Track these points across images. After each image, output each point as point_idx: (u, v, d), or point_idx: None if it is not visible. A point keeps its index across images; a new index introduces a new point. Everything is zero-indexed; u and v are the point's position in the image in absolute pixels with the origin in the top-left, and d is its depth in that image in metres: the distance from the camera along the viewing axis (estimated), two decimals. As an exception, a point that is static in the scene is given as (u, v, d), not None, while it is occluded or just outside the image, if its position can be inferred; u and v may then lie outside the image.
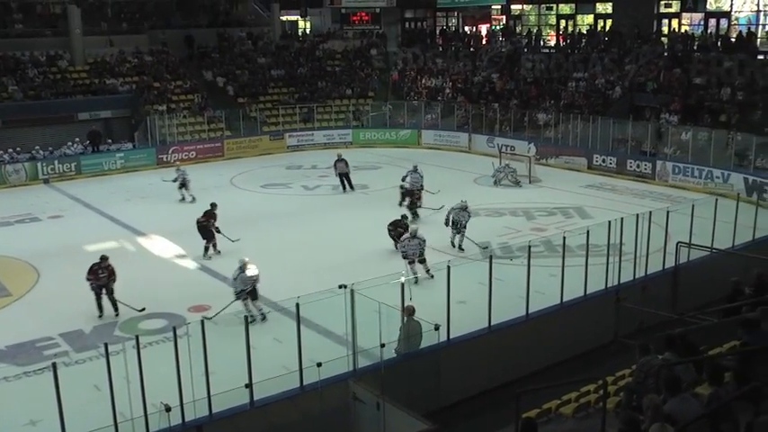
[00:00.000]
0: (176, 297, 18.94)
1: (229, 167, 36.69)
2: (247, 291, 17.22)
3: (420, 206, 25.96)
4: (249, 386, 11.74)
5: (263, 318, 16.98)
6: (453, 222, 22.47)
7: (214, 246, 22.70)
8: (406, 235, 20.12)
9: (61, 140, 36.77)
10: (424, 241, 19.79)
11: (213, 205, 23.17)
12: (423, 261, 19.66)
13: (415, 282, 18.76)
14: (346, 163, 31.40)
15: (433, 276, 19.09)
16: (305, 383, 12.42)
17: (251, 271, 17.41)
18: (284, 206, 28.60)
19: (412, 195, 26.10)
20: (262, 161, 38.34)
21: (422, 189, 26.70)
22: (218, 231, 22.73)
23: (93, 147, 37.00)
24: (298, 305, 12.07)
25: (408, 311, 13.48)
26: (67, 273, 21.20)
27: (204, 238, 22.54)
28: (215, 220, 22.84)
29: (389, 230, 21.86)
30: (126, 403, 10.93)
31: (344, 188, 31.20)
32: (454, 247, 22.53)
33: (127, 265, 21.93)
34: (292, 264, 21.47)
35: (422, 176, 27.02)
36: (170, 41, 46.02)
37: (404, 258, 19.48)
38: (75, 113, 38.61)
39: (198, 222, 22.68)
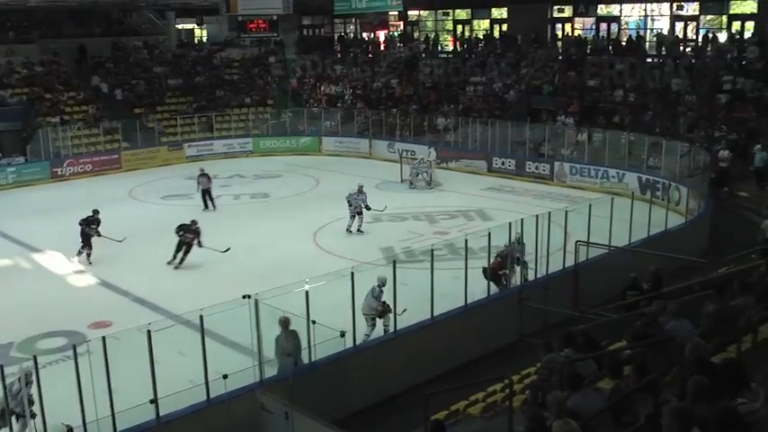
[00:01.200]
0: (76, 314, 18.40)
1: (128, 179, 35.88)
2: None
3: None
4: (154, 402, 11.51)
5: None
6: (350, 204, 24.52)
7: (88, 255, 22.56)
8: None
9: (-52, 155, 35.41)
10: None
11: (95, 212, 23.10)
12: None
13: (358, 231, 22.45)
14: (209, 178, 29.49)
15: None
16: (211, 396, 12.24)
17: None
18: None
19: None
20: (161, 172, 37.64)
21: (367, 209, 25.16)
22: (100, 235, 22.60)
23: (-18, 161, 35.75)
24: (201, 317, 11.88)
25: (284, 324, 13.37)
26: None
27: (83, 243, 22.56)
28: (97, 225, 22.77)
29: (178, 233, 22.10)
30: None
31: (206, 206, 29.00)
32: (351, 232, 24.45)
33: (23, 284, 21.37)
34: (195, 275, 21.18)
35: (366, 195, 25.31)
36: (62, 51, 44.75)
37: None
38: (-39, 127, 37.21)
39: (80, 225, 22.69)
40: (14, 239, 25.76)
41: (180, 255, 22.04)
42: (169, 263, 21.94)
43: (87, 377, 10.91)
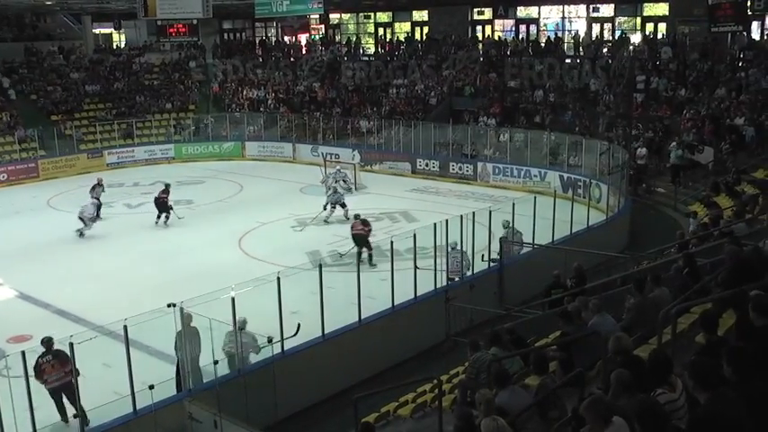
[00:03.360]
0: (-7, 328, 17.89)
1: (45, 188, 35.02)
2: None
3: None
4: (80, 416, 11.28)
5: None
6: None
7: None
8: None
9: None
10: None
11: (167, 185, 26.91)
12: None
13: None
14: (103, 188, 29.17)
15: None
16: (138, 407, 12.03)
17: None
18: (107, 226, 27.59)
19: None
20: (80, 180, 36.80)
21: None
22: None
23: None
24: (125, 327, 11.68)
25: (186, 319, 13.21)
26: None
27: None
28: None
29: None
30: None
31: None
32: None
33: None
34: (118, 285, 20.75)
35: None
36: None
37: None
38: None
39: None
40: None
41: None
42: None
43: (6, 394, 10.62)
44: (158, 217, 26.75)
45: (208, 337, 12.56)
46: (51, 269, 22.03)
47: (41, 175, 37.43)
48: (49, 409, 11.39)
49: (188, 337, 13.02)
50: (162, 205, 26.72)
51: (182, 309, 12.38)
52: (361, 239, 21.75)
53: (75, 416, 11.27)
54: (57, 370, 12.67)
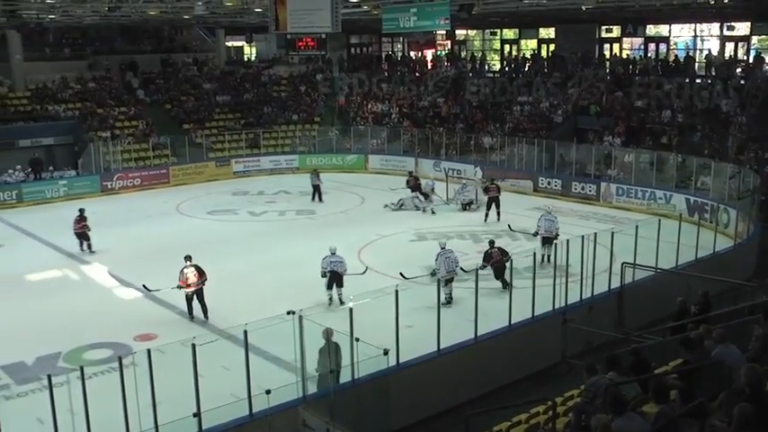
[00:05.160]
0: (122, 326, 18.65)
1: (175, 194, 36.33)
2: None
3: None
4: (197, 415, 11.59)
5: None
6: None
7: (89, 246, 25.91)
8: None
9: (1, 168, 36.11)
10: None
11: (82, 210, 26.46)
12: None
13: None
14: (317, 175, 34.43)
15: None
16: (254, 411, 12.29)
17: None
18: (231, 233, 28.36)
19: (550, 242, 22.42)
20: (208, 187, 38.05)
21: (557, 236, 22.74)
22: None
23: (34, 174, 36.41)
24: (246, 332, 11.96)
25: (328, 333, 13.37)
26: (8, 303, 20.89)
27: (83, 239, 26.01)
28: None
29: None
30: (70, 436, 10.73)
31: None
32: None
33: (70, 295, 21.72)
34: (240, 290, 21.30)
35: (556, 219, 24.08)
36: (113, 67, 45.64)
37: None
38: (15, 140, 37.88)
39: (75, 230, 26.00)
40: (64, 252, 26.20)
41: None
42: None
43: (132, 389, 11.03)
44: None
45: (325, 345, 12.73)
46: (176, 272, 22.76)
47: (172, 181, 38.85)
48: (171, 406, 11.75)
49: (328, 352, 13.27)
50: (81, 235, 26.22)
51: (301, 317, 12.57)
52: (499, 271, 20.40)
53: (194, 415, 11.57)
54: (196, 278, 19.04)
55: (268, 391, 12.00)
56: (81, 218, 26.11)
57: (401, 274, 20.11)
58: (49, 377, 10.73)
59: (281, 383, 12.74)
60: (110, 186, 37.02)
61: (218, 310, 19.30)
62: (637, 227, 18.95)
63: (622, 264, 18.55)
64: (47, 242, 27.72)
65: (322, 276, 20.03)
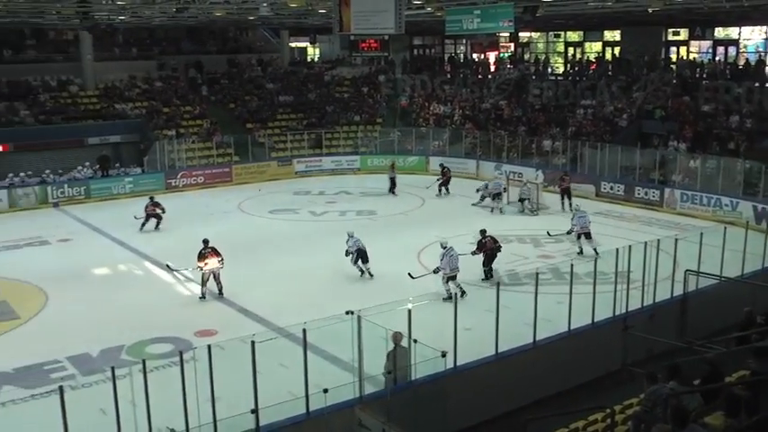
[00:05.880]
0: (183, 322, 18.95)
1: (237, 193, 36.78)
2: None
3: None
4: (255, 412, 11.69)
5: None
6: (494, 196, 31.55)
7: (157, 224, 29.06)
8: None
9: (71, 165, 37.03)
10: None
11: (152, 197, 29.96)
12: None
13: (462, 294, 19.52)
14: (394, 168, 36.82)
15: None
16: (311, 409, 12.36)
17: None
18: (291, 232, 28.59)
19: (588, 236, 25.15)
20: (270, 186, 38.41)
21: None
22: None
23: (102, 171, 37.20)
24: (304, 330, 12.03)
25: (397, 338, 13.38)
26: (75, 296, 21.39)
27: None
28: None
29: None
30: (132, 427, 10.90)
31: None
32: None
33: (134, 290, 22.12)
34: (299, 289, 21.49)
35: (587, 215, 25.89)
36: (179, 67, 46.42)
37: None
38: (85, 138, 38.84)
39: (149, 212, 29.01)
40: (129, 247, 26.73)
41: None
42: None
43: (192, 384, 11.19)
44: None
45: (382, 346, 12.76)
46: (238, 270, 23.07)
47: (234, 180, 39.33)
48: (230, 401, 11.88)
49: (398, 357, 13.31)
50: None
51: (359, 317, 12.60)
52: (489, 259, 22.23)
53: (252, 411, 11.69)
54: (213, 257, 20.79)
55: (325, 390, 12.06)
56: (154, 203, 29.32)
57: (409, 274, 20.70)
58: (113, 369, 10.92)
59: (338, 383, 12.79)
60: (174, 184, 37.63)
61: (277, 307, 19.49)
62: (702, 234, 18.58)
63: (686, 271, 18.21)
64: (113, 237, 28.30)
65: (346, 255, 22.71)
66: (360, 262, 22.54)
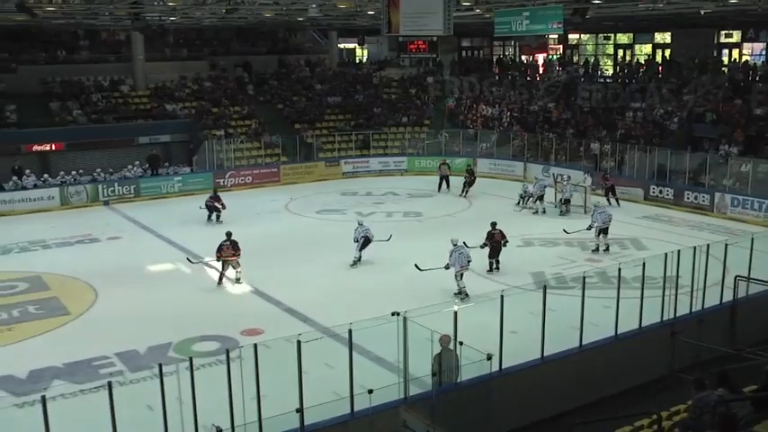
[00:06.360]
0: (230, 320, 19.13)
1: (285, 193, 37.00)
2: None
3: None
4: (300, 411, 11.76)
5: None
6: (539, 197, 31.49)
7: (218, 217, 30.50)
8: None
9: (121, 163, 37.58)
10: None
11: (215, 189, 32.14)
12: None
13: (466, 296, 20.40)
14: (449, 167, 37.94)
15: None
16: (355, 410, 12.41)
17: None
18: (338, 232, 28.70)
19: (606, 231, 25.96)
20: (317, 187, 38.60)
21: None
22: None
23: (152, 170, 37.68)
24: (350, 331, 12.08)
25: (445, 341, 13.36)
26: (124, 293, 21.70)
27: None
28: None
29: None
30: (178, 424, 11.05)
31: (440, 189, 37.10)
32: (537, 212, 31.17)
33: (181, 288, 22.39)
34: (345, 289, 21.60)
35: (606, 209, 27.43)
36: (229, 68, 46.86)
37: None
38: (135, 137, 39.41)
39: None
40: (177, 245, 27.04)
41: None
42: None
43: (238, 382, 11.29)
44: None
45: (428, 347, 12.76)
46: (285, 269, 23.26)
47: (282, 180, 39.60)
48: (275, 400, 11.96)
49: (445, 360, 13.32)
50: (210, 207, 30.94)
51: (405, 318, 12.62)
52: (495, 251, 23.44)
53: (297, 410, 11.76)
54: (230, 251, 22.14)
55: (370, 391, 12.09)
56: (214, 197, 30.98)
57: (416, 265, 21.69)
58: (160, 366, 11.07)
59: (383, 384, 12.83)
60: (222, 183, 37.92)
61: (323, 307, 19.60)
62: (752, 239, 18.28)
63: (735, 277, 17.95)
64: (161, 236, 28.68)
65: (355, 241, 24.29)
66: (363, 250, 24.25)
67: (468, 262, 20.83)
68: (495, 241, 23.13)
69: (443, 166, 37.77)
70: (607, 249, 25.52)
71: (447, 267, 20.77)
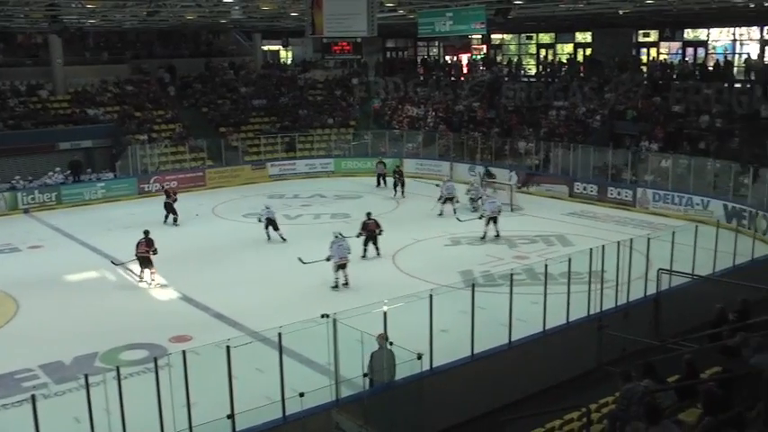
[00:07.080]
0: (157, 327, 18.83)
1: (211, 197, 36.60)
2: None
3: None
4: (231, 417, 11.65)
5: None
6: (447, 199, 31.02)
7: (175, 219, 30.33)
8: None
9: (42, 170, 36.64)
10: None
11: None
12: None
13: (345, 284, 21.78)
14: (384, 165, 38.90)
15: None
16: (287, 414, 12.33)
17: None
18: (265, 236, 28.45)
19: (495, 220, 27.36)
20: (244, 190, 38.29)
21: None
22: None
23: (73, 176, 36.86)
24: (280, 335, 12.00)
25: (381, 339, 13.38)
26: (47, 303, 21.19)
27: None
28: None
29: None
30: (106, 435, 10.84)
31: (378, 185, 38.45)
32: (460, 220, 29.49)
33: (107, 296, 21.98)
34: (274, 293, 21.45)
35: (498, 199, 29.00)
36: (152, 71, 46.13)
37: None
38: (55, 143, 38.47)
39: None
40: (101, 252, 26.49)
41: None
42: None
43: (167, 390, 11.13)
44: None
45: (358, 349, 12.74)
46: (212, 274, 23.00)
47: (208, 184, 39.15)
48: (205, 407, 11.82)
49: (381, 358, 13.30)
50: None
51: (335, 320, 12.59)
52: (370, 239, 25.23)
53: (228, 416, 11.65)
54: (144, 247, 22.37)
55: (302, 394, 12.04)
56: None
57: (300, 259, 23.00)
58: (86, 377, 10.85)
59: (314, 386, 12.78)
60: (147, 189, 37.36)
61: (252, 311, 19.42)
62: (674, 233, 18.74)
63: (659, 270, 18.35)
64: (84, 243, 28.08)
65: (259, 221, 27.19)
66: (270, 228, 27.15)
67: (348, 253, 21.98)
68: (370, 230, 25.06)
69: (380, 164, 38.87)
70: (497, 236, 26.97)
71: (328, 259, 21.85)
